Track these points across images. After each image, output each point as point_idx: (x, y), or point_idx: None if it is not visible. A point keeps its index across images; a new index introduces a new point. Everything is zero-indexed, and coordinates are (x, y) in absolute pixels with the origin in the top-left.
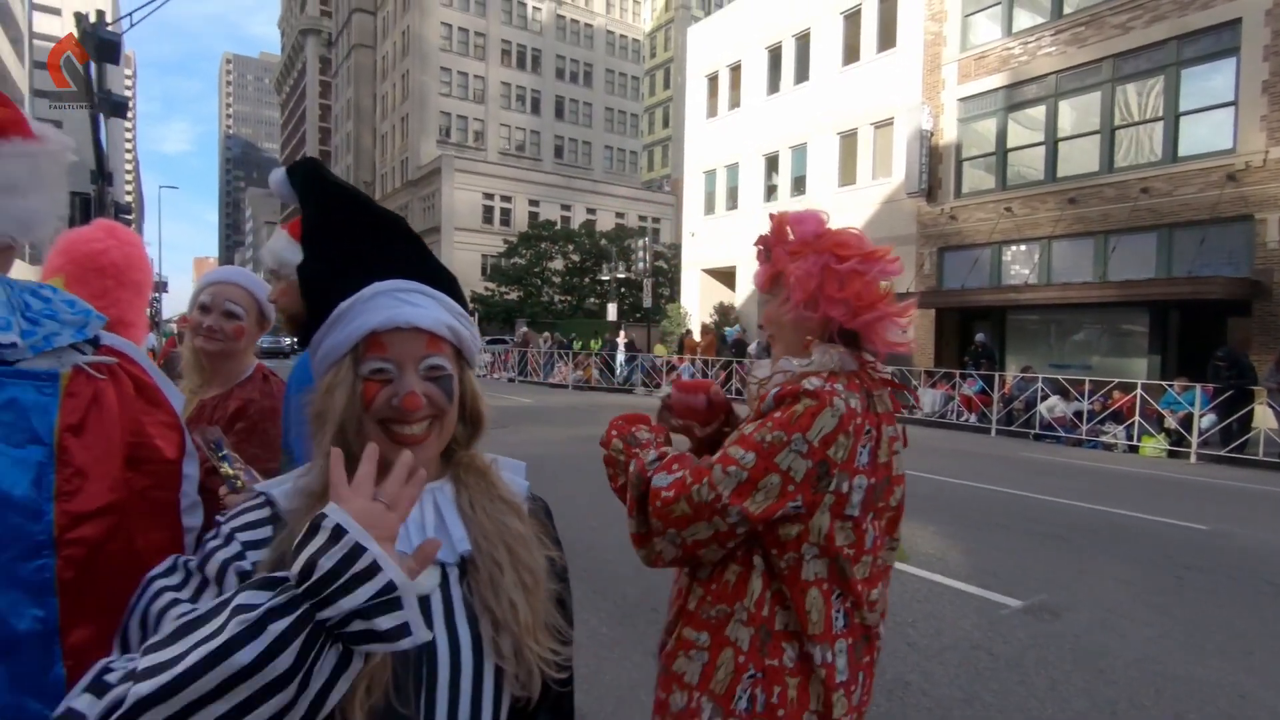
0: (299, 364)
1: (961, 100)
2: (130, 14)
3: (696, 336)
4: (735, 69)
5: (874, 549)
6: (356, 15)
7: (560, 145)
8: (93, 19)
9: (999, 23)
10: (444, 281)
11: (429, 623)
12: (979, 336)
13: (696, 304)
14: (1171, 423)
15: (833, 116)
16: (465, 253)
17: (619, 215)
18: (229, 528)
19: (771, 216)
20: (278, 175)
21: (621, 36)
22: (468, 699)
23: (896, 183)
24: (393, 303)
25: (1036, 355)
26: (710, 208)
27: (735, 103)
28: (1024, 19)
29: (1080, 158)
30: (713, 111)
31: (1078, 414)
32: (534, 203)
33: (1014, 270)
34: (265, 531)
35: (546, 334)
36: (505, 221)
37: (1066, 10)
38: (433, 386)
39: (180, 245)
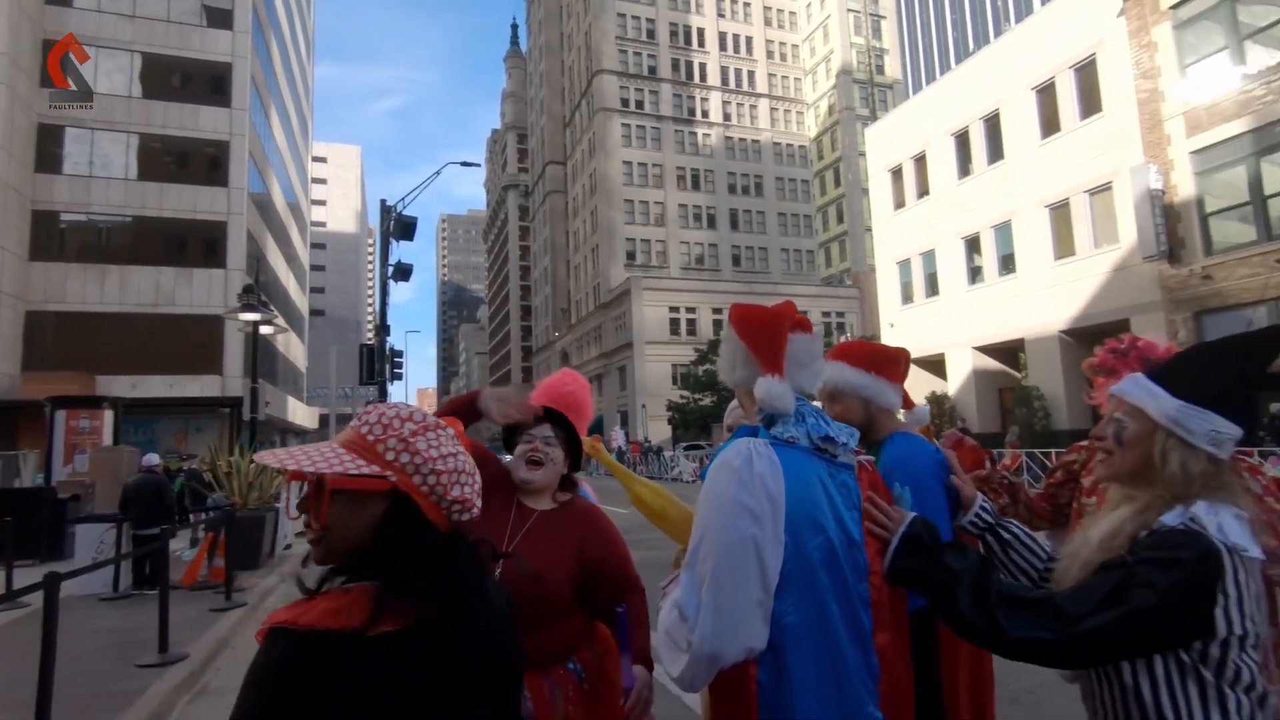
0: (895, 450)
1: (1195, 153)
2: (403, 198)
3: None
4: (919, 159)
5: None
6: (549, 167)
7: (737, 254)
8: (351, 208)
9: (1228, 67)
10: None
11: None
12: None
13: None
14: None
15: (1038, 190)
16: (656, 364)
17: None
18: None
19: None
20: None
21: (788, 145)
22: None
23: (1126, 248)
24: None
25: None
26: (908, 297)
27: (924, 191)
28: (1258, 59)
29: None
30: (900, 203)
31: None
32: (717, 311)
33: None
34: None
35: None
36: (692, 331)
37: None
38: None
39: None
